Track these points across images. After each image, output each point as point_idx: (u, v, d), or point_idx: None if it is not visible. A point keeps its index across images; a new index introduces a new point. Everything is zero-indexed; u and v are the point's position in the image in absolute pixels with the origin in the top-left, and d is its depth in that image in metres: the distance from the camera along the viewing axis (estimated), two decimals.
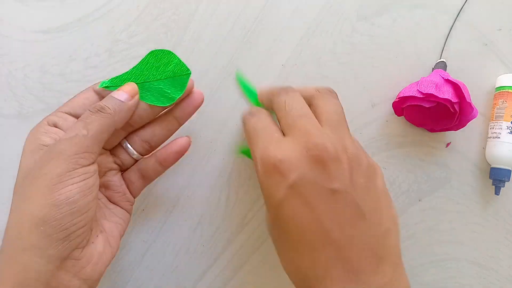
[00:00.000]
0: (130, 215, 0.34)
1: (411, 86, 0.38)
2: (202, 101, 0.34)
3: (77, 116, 0.30)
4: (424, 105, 0.36)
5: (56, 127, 0.30)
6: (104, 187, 0.33)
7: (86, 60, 0.39)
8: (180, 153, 0.34)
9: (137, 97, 0.31)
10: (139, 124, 0.33)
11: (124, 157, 0.34)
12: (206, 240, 0.40)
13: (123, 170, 0.34)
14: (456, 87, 0.36)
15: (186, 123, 0.40)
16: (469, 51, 0.41)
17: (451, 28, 0.41)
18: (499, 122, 0.39)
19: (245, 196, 0.40)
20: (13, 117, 0.39)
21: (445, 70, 0.40)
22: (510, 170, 0.38)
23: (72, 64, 0.39)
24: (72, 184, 0.26)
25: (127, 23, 0.40)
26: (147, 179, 0.34)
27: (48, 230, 0.25)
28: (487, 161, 0.40)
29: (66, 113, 0.30)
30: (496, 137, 0.39)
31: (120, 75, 0.32)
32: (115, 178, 0.33)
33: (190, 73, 0.32)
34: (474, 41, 0.41)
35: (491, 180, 0.40)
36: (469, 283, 0.41)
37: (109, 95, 0.30)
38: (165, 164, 0.34)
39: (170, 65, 0.32)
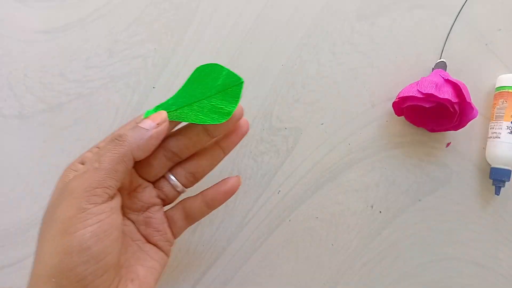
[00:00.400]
0: (168, 257, 0.31)
1: (411, 86, 0.38)
2: (248, 130, 0.31)
3: None
4: (424, 105, 0.36)
5: None
6: (144, 224, 0.30)
7: (87, 60, 0.39)
8: (229, 194, 0.31)
9: (164, 125, 0.27)
10: (186, 155, 0.30)
11: (168, 190, 0.31)
12: (206, 240, 0.40)
13: (166, 204, 0.32)
14: (456, 87, 0.36)
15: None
16: (469, 51, 0.41)
17: (451, 28, 0.41)
18: (499, 122, 0.39)
19: (245, 196, 0.40)
20: (13, 117, 0.39)
21: (445, 70, 0.40)
22: (510, 170, 0.38)
23: (72, 64, 0.39)
24: (85, 228, 0.23)
25: (127, 23, 0.40)
26: (191, 219, 0.31)
27: (61, 281, 0.22)
28: (487, 161, 0.40)
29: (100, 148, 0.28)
30: (496, 137, 0.39)
31: (166, 100, 0.29)
32: (157, 215, 0.30)
33: (242, 81, 0.28)
34: (474, 41, 0.41)
35: (491, 180, 0.40)
36: (469, 283, 0.41)
37: (132, 122, 0.28)
38: (212, 205, 0.31)
39: (219, 78, 0.28)
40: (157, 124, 0.27)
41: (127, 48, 0.40)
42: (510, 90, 0.39)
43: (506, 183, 0.39)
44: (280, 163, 0.40)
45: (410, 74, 0.41)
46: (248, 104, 0.40)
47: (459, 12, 0.41)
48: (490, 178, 0.40)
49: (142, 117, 0.28)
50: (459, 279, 0.41)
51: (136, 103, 0.40)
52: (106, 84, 0.40)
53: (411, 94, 0.37)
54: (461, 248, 0.41)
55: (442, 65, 0.40)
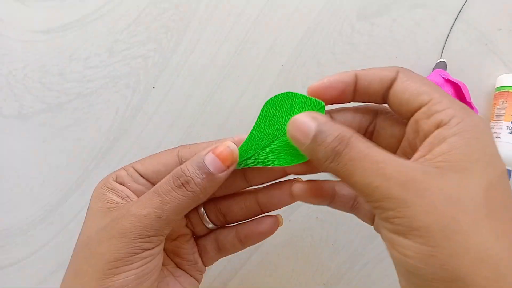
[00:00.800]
0: (199, 283, 0.29)
1: None
2: (294, 200, 0.27)
3: (148, 179, 0.26)
4: None
5: (123, 185, 0.26)
6: (173, 252, 0.28)
7: (86, 60, 0.39)
8: (265, 235, 0.28)
9: (232, 167, 0.24)
10: (219, 194, 0.28)
11: (196, 222, 0.29)
12: None
13: (195, 236, 0.29)
14: (456, 87, 0.36)
15: (186, 124, 0.40)
16: (469, 51, 0.41)
17: (451, 28, 0.41)
18: (499, 122, 0.39)
19: None
20: (13, 117, 0.39)
21: (445, 70, 0.40)
22: (510, 170, 0.38)
23: (72, 64, 0.39)
24: (130, 271, 0.22)
25: (127, 23, 0.40)
26: (223, 252, 0.29)
27: None
28: None
29: (137, 171, 0.26)
30: (496, 137, 0.39)
31: (240, 146, 0.25)
32: (186, 246, 0.28)
33: (323, 105, 0.24)
34: (474, 41, 0.41)
35: None
36: None
37: (197, 159, 0.23)
38: (245, 242, 0.28)
39: (295, 107, 0.24)
40: (226, 166, 0.23)
41: (127, 48, 0.40)
42: (510, 90, 0.39)
43: None
44: None
45: None
46: (248, 104, 0.40)
47: (459, 12, 0.41)
48: None
49: (213, 144, 0.25)
50: None
51: (136, 103, 0.40)
52: (106, 84, 0.40)
53: None
54: None
55: (442, 65, 0.40)
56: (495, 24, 0.41)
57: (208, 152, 0.23)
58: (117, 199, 0.25)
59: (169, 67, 0.40)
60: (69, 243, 0.39)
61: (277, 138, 0.25)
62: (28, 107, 0.39)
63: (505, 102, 0.39)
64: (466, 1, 0.41)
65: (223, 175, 0.23)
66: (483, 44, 0.41)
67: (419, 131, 0.21)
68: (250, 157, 0.25)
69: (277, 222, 0.28)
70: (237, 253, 0.40)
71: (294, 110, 0.24)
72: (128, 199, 0.25)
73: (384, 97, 0.23)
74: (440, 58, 0.41)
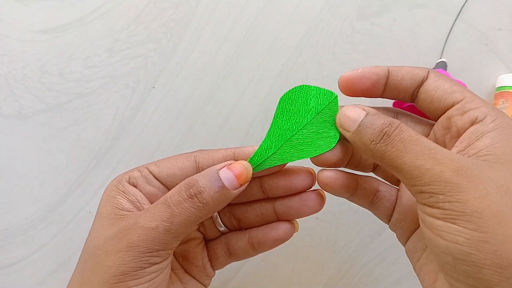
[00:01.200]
0: None
1: None
2: (315, 210, 0.26)
3: (162, 182, 0.25)
4: None
5: (135, 187, 0.25)
6: (182, 256, 0.28)
7: (86, 59, 0.39)
8: (279, 242, 0.27)
9: (245, 185, 0.24)
10: (234, 201, 0.26)
11: (209, 225, 0.28)
12: None
13: (206, 239, 0.29)
14: None
15: (186, 124, 0.40)
16: (469, 51, 0.41)
17: (451, 28, 0.41)
18: None
19: None
20: (13, 117, 0.39)
21: (446, 70, 0.40)
22: None
23: (71, 64, 0.39)
24: (137, 286, 0.22)
25: (126, 23, 0.40)
26: (234, 257, 0.28)
27: None
28: None
29: (151, 173, 0.25)
30: None
31: (260, 146, 0.25)
32: (196, 250, 0.28)
33: (336, 95, 0.25)
34: (474, 41, 0.41)
35: None
36: None
37: (211, 172, 0.23)
38: (259, 249, 0.27)
39: (309, 100, 0.25)
40: (240, 184, 0.23)
41: (127, 47, 0.40)
42: (510, 90, 0.39)
43: None
44: None
45: None
46: (248, 104, 0.40)
47: (459, 12, 0.41)
48: None
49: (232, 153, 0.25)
50: None
51: (136, 103, 0.40)
52: (106, 84, 0.39)
53: None
54: None
55: (442, 65, 0.40)
56: (495, 24, 0.41)
57: (223, 167, 0.23)
58: (127, 205, 0.24)
59: (169, 67, 0.40)
60: (69, 243, 0.40)
61: (296, 132, 0.25)
62: (28, 107, 0.39)
63: (505, 102, 0.39)
64: (466, 1, 0.41)
65: (235, 192, 0.23)
66: (483, 44, 0.41)
67: (450, 128, 0.22)
68: (272, 155, 0.25)
69: (293, 228, 0.27)
70: None
71: (309, 103, 0.25)
72: (139, 204, 0.24)
73: (413, 95, 0.24)
74: (440, 58, 0.41)
